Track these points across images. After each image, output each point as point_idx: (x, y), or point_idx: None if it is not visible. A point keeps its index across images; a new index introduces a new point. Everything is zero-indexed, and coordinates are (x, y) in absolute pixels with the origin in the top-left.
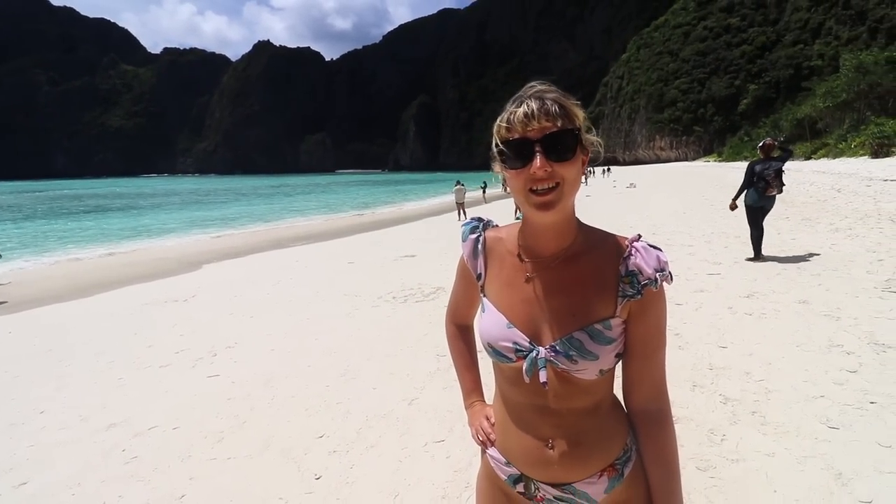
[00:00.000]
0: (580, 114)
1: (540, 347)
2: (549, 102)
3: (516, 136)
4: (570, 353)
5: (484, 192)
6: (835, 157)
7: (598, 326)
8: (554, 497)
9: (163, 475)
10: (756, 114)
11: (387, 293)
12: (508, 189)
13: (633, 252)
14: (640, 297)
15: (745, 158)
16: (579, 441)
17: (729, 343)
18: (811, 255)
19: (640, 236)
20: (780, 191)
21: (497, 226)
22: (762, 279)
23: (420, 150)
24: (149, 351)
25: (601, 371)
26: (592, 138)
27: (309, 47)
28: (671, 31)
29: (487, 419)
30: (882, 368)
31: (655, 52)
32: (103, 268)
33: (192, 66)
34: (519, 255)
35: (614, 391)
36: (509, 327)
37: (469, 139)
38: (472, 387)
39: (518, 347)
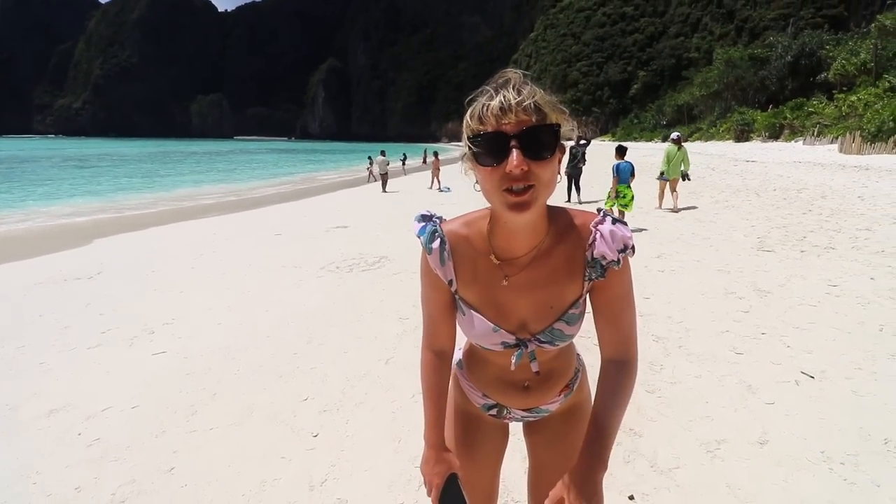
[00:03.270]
0: (559, 109)
1: (527, 342)
2: (526, 95)
3: (489, 129)
4: (554, 341)
5: (404, 163)
6: (706, 140)
7: (572, 311)
8: (521, 417)
9: (138, 453)
10: (644, 98)
11: (329, 263)
12: (479, 189)
13: (596, 238)
14: (603, 278)
15: (635, 139)
16: (549, 378)
17: (651, 294)
18: (700, 222)
19: (604, 216)
20: (584, 163)
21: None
22: (666, 242)
23: (330, 117)
24: (66, 332)
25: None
26: (569, 131)
27: None
28: (574, 14)
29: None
30: (766, 309)
31: (560, 34)
32: None
33: (49, 6)
34: (493, 257)
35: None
36: (496, 330)
37: (382, 109)
38: (437, 432)
39: (506, 343)
